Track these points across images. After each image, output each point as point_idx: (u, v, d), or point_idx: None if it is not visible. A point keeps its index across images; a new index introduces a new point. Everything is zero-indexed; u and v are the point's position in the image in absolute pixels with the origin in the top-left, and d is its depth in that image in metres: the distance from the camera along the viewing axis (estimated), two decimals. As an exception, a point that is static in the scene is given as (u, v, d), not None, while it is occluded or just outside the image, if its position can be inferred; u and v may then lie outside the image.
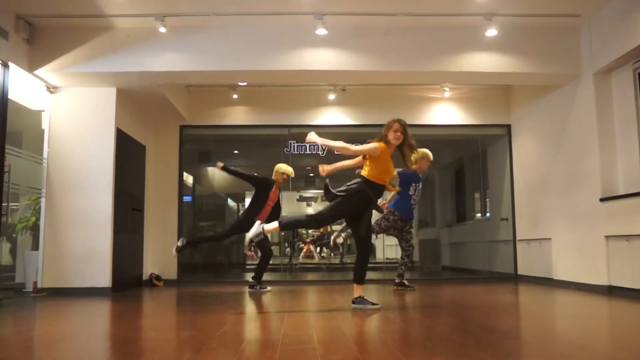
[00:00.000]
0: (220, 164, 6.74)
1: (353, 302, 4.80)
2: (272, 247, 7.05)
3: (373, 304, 4.73)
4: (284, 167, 6.78)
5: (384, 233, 6.83)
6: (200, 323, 4.03)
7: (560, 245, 7.17)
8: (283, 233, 7.23)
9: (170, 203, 8.64)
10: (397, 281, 6.65)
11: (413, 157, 6.27)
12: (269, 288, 6.76)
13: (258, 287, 6.66)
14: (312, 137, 4.76)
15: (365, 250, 4.84)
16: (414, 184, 6.50)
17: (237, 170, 6.86)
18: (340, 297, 6.05)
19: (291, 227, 4.97)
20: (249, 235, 4.57)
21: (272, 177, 6.74)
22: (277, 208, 6.78)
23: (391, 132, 4.74)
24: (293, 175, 6.82)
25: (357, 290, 4.83)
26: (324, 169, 4.98)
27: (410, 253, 6.62)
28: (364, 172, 4.75)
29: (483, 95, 8.83)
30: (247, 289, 6.74)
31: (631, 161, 6.11)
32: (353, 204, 4.68)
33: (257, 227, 4.57)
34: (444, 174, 12.74)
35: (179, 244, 6.37)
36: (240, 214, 6.84)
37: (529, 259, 8.15)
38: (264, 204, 6.59)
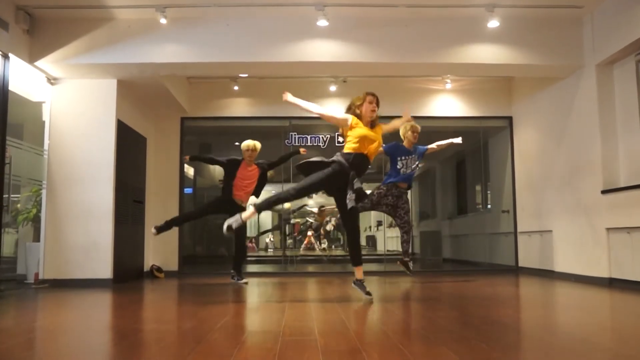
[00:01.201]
0: (187, 157, 6.80)
1: (353, 283, 4.93)
2: (270, 240, 7.03)
3: (367, 293, 4.78)
4: (245, 143, 6.76)
5: (376, 209, 6.71)
6: (201, 314, 4.04)
7: (561, 237, 7.17)
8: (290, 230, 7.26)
9: (171, 195, 8.64)
10: (404, 259, 6.65)
11: (400, 131, 6.36)
12: (245, 280, 6.72)
13: (236, 279, 6.67)
14: (289, 97, 4.90)
15: (353, 226, 4.79)
16: (401, 157, 6.51)
17: (205, 157, 6.98)
18: (341, 288, 6.06)
19: (267, 206, 4.72)
20: (228, 221, 4.53)
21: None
22: (259, 186, 6.74)
23: (365, 104, 4.77)
24: (256, 146, 6.72)
25: (358, 273, 4.86)
26: (286, 96, 5.02)
27: (407, 230, 6.60)
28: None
29: (484, 87, 8.80)
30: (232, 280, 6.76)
31: (633, 153, 6.09)
32: (326, 175, 4.60)
33: (236, 215, 4.56)
34: (445, 166, 12.73)
35: (158, 224, 6.43)
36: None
37: (530, 251, 8.16)
38: (232, 182, 6.54)
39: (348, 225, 4.83)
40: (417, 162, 6.64)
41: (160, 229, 6.35)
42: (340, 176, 4.64)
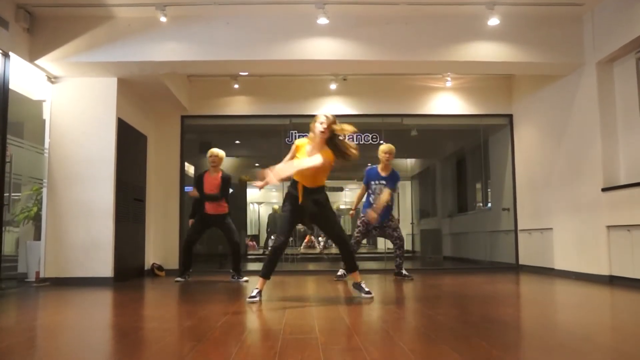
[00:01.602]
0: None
1: (352, 286, 5.01)
2: (271, 239, 7.07)
3: (367, 292, 4.79)
4: (210, 151, 6.84)
5: (366, 237, 6.78)
6: (201, 313, 4.04)
7: (561, 235, 7.17)
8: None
9: (172, 193, 8.65)
10: (395, 271, 6.83)
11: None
12: (245, 278, 6.84)
13: (236, 278, 6.82)
14: (271, 177, 4.43)
15: (342, 242, 4.85)
16: (372, 182, 6.51)
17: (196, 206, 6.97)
18: (341, 287, 6.06)
19: (270, 266, 4.69)
20: (249, 300, 4.55)
21: None
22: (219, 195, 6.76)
23: (317, 123, 4.65)
24: (220, 155, 6.80)
25: (355, 277, 4.92)
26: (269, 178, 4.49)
27: (400, 245, 6.69)
28: None
29: (485, 85, 8.80)
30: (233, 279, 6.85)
31: (633, 151, 6.09)
32: (288, 210, 4.68)
33: (253, 291, 4.60)
34: (445, 164, 12.73)
35: (179, 279, 6.79)
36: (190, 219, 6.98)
37: (530, 249, 8.16)
38: (202, 195, 6.72)
39: (334, 240, 4.96)
40: (388, 190, 6.39)
41: (182, 275, 6.80)
42: (298, 206, 4.69)
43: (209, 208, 6.74)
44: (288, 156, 4.78)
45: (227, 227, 6.77)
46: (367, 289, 4.81)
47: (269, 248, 4.78)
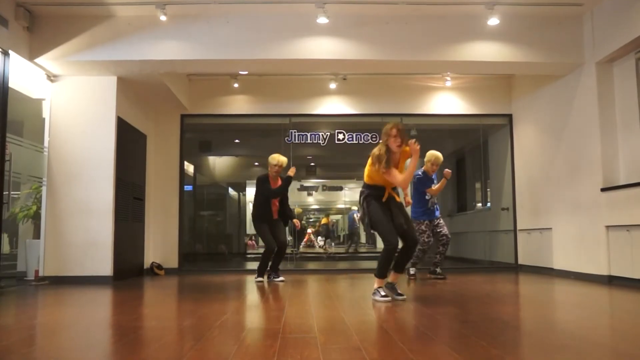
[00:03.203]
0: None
1: (385, 285, 4.76)
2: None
3: (383, 296, 4.62)
4: (275, 158, 6.60)
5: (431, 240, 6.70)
6: (201, 312, 4.05)
7: (560, 235, 7.18)
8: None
9: (171, 192, 8.65)
10: (430, 269, 6.83)
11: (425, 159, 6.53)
12: (281, 278, 6.71)
13: (272, 277, 6.69)
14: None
15: (414, 243, 4.69)
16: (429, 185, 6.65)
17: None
18: (340, 286, 6.06)
19: (384, 269, 4.64)
20: (376, 298, 4.57)
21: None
22: (283, 201, 6.75)
23: (391, 138, 4.71)
24: (285, 164, 6.62)
25: (394, 277, 4.81)
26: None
27: (446, 242, 6.70)
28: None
29: (484, 84, 8.80)
30: (258, 279, 6.67)
31: (632, 151, 6.10)
32: (376, 208, 4.62)
33: (376, 295, 4.60)
34: (444, 163, 12.70)
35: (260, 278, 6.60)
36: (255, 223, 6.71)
37: (530, 249, 8.17)
38: (266, 201, 6.56)
39: (404, 239, 4.73)
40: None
41: (261, 275, 6.61)
42: (381, 203, 4.67)
43: (275, 212, 6.67)
44: (371, 165, 4.70)
45: (282, 227, 6.81)
46: (399, 291, 4.74)
47: (384, 250, 4.64)
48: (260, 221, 6.56)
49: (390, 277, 4.77)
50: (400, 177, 4.58)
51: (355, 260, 13.05)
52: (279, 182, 6.61)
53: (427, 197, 6.64)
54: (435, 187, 6.66)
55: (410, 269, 6.79)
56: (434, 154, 6.71)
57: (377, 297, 4.57)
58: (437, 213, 6.74)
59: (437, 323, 3.52)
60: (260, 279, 6.58)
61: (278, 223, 6.70)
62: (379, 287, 4.64)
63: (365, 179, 4.76)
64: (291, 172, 6.64)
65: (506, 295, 5.29)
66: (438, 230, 6.67)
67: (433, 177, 6.79)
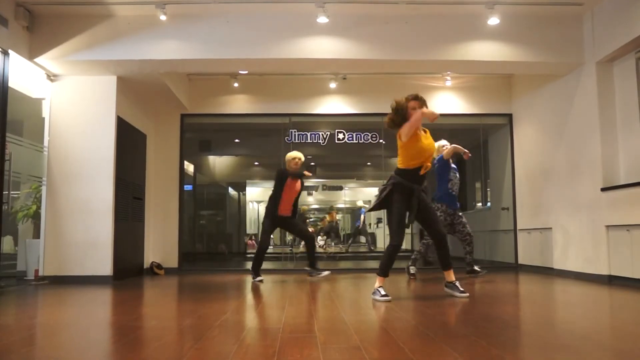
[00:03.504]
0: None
1: (445, 286, 4.89)
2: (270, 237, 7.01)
3: (462, 292, 4.69)
4: (291, 154, 6.81)
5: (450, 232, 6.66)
6: (201, 311, 4.05)
7: (561, 234, 7.17)
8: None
9: (171, 192, 8.65)
10: (467, 269, 6.84)
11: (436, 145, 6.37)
12: (325, 272, 6.83)
13: (315, 273, 6.80)
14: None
15: (442, 238, 4.70)
16: (452, 171, 6.60)
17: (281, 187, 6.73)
18: (341, 286, 6.06)
19: (388, 266, 4.67)
20: (376, 297, 4.56)
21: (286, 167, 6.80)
22: (297, 200, 6.86)
23: (409, 111, 4.61)
24: (303, 158, 6.83)
25: (449, 276, 4.83)
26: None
27: (470, 241, 6.67)
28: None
29: (484, 84, 8.80)
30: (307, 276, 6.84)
31: (633, 151, 6.09)
32: (398, 202, 4.57)
33: (376, 294, 4.59)
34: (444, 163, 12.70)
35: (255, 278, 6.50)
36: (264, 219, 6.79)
37: (530, 249, 8.16)
38: (280, 195, 6.64)
39: (433, 235, 4.77)
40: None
41: (256, 275, 6.52)
42: (409, 197, 4.61)
43: (286, 210, 6.70)
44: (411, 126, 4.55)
45: (298, 225, 6.93)
46: (461, 289, 4.74)
47: (388, 248, 4.65)
48: (266, 216, 6.68)
49: (447, 277, 4.81)
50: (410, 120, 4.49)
51: (355, 260, 13.04)
52: (298, 181, 6.77)
53: (450, 178, 6.56)
54: (449, 150, 6.52)
55: (411, 267, 6.78)
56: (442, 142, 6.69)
57: (377, 297, 4.57)
58: (458, 207, 6.70)
59: (437, 322, 3.52)
60: (259, 278, 6.52)
61: (292, 220, 6.79)
62: (380, 287, 4.64)
63: (399, 162, 4.65)
64: (307, 174, 6.78)
65: (506, 295, 5.28)
66: (461, 228, 6.63)
67: (454, 166, 6.74)
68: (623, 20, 5.86)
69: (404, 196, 4.59)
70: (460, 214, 6.72)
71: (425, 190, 4.74)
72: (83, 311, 4.40)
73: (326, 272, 6.83)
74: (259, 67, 7.58)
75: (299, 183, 6.80)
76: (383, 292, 4.58)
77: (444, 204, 6.54)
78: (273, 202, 6.63)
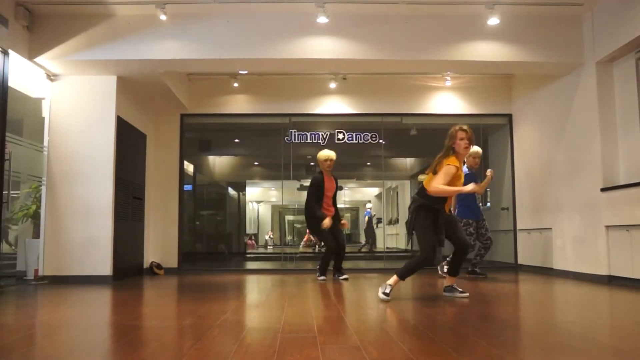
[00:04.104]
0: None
1: (444, 290, 4.92)
2: (270, 238, 7.02)
3: (461, 292, 4.78)
4: (323, 154, 6.72)
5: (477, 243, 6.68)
6: (201, 311, 4.04)
7: (560, 235, 7.18)
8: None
9: (171, 191, 8.65)
10: (469, 269, 6.83)
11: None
12: (345, 276, 6.72)
13: (337, 276, 6.74)
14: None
15: (465, 246, 4.68)
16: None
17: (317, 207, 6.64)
18: (341, 286, 6.06)
19: (409, 274, 4.68)
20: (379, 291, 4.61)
21: (320, 169, 6.77)
22: (335, 198, 6.84)
23: (457, 141, 4.62)
24: (334, 157, 6.72)
25: (449, 280, 4.88)
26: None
27: (489, 246, 6.68)
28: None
29: (484, 84, 8.80)
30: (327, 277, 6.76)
31: (632, 151, 6.10)
32: (424, 221, 4.57)
33: (384, 288, 4.60)
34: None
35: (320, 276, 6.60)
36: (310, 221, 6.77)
37: (530, 249, 8.17)
38: (322, 198, 6.62)
39: (457, 243, 4.73)
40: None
41: (323, 273, 6.62)
42: (436, 215, 4.60)
43: (330, 211, 6.68)
44: (446, 179, 4.47)
45: (339, 228, 6.75)
46: (460, 289, 4.81)
47: (419, 258, 4.60)
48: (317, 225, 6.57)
49: (449, 281, 4.86)
50: (442, 187, 4.45)
51: (355, 260, 13.04)
52: (333, 181, 6.74)
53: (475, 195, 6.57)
54: (481, 184, 6.41)
55: (476, 269, 6.77)
56: (473, 148, 6.65)
57: (380, 292, 4.59)
58: (482, 214, 6.74)
59: (437, 322, 3.52)
60: (322, 277, 6.64)
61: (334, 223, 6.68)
62: (389, 284, 4.61)
63: (428, 187, 4.58)
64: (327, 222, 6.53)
65: (506, 295, 5.28)
66: (483, 232, 6.64)
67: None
68: (623, 21, 5.86)
69: (429, 212, 4.58)
70: (484, 219, 6.72)
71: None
72: (83, 311, 4.40)
73: (344, 277, 6.71)
74: (259, 67, 7.59)
75: (333, 181, 6.79)
76: (387, 291, 4.56)
77: (463, 219, 6.53)
78: (317, 207, 6.56)
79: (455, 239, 4.71)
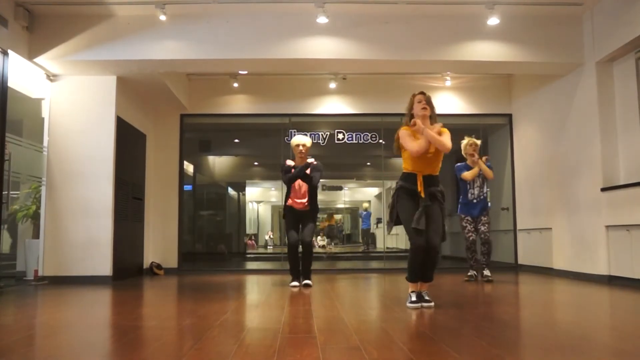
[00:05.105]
0: None
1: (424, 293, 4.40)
2: (270, 238, 6.86)
3: (412, 301, 4.25)
4: (294, 140, 5.99)
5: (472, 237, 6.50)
6: (200, 311, 4.04)
7: (560, 234, 7.17)
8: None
9: (171, 192, 8.65)
10: (484, 273, 6.50)
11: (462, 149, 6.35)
12: (306, 282, 6.01)
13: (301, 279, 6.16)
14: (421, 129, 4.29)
15: (426, 249, 4.22)
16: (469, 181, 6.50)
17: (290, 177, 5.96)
18: (341, 286, 6.06)
19: (412, 271, 4.26)
20: (407, 304, 4.24)
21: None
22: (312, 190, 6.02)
23: (415, 104, 4.45)
24: (309, 143, 6.00)
25: (422, 287, 4.39)
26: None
27: (485, 240, 6.41)
28: None
29: (484, 84, 8.80)
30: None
31: (632, 151, 6.09)
32: (404, 206, 4.29)
33: (408, 299, 4.28)
34: (444, 163, 12.69)
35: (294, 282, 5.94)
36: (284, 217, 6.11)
37: (530, 249, 8.17)
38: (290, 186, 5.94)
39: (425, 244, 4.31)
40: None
41: (298, 279, 5.94)
42: (414, 200, 4.29)
43: (300, 204, 5.93)
44: (407, 141, 4.30)
45: (309, 221, 5.97)
46: (427, 297, 4.32)
47: (410, 251, 4.25)
48: (285, 211, 6.01)
49: (414, 287, 4.34)
50: (413, 145, 4.25)
51: (355, 260, 13.05)
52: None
53: (468, 188, 6.46)
54: (468, 172, 6.42)
55: (484, 271, 6.48)
56: (466, 138, 6.60)
57: (407, 303, 4.26)
58: (485, 210, 6.49)
59: (437, 322, 3.52)
60: (294, 283, 5.96)
61: (306, 215, 5.94)
62: (412, 292, 4.29)
63: (405, 162, 4.41)
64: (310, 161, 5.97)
65: (506, 295, 5.28)
66: (483, 229, 6.40)
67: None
68: (623, 20, 5.86)
69: (409, 197, 4.31)
70: (485, 217, 6.45)
71: (438, 193, 4.39)
72: (83, 311, 4.40)
73: (294, 283, 6.00)
74: (258, 68, 7.58)
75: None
76: (413, 298, 4.23)
77: (460, 214, 6.49)
78: (286, 198, 6.01)
79: (426, 235, 4.23)
